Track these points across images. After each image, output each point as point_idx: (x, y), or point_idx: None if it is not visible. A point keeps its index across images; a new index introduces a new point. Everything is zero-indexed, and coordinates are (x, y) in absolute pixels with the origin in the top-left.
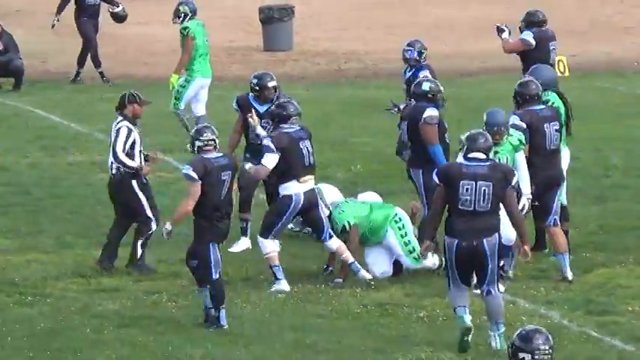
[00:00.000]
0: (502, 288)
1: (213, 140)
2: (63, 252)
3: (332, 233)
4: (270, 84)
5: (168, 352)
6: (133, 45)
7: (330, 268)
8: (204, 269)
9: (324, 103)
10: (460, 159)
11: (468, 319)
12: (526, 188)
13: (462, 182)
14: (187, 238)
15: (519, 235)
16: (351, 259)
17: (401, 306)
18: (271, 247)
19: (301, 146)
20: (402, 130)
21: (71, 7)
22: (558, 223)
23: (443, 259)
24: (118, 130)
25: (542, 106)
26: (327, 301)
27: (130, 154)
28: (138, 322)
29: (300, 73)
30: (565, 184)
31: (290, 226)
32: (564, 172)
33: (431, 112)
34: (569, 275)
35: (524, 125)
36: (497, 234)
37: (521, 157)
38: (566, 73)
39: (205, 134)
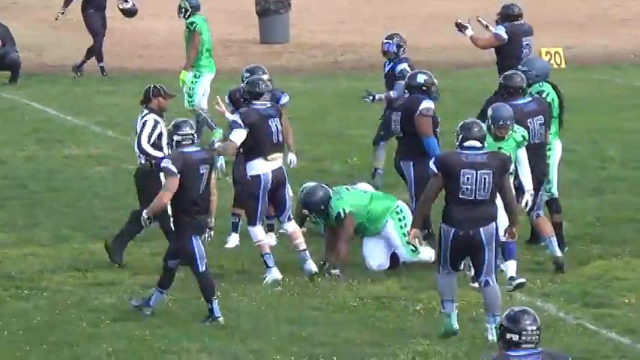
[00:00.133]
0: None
1: (192, 135)
2: (59, 245)
3: (291, 216)
4: (263, 77)
5: (165, 346)
6: (128, 38)
7: (327, 265)
8: (191, 263)
9: (321, 96)
10: (456, 148)
11: (454, 319)
12: (528, 184)
13: (462, 171)
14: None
15: (510, 222)
16: (303, 246)
17: (397, 299)
18: (261, 234)
19: (270, 124)
20: (393, 120)
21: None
22: (541, 214)
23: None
24: (144, 122)
25: (528, 99)
26: (323, 294)
27: (157, 146)
28: (134, 316)
29: (297, 65)
30: (556, 176)
31: (282, 230)
32: (555, 165)
33: (427, 104)
34: (559, 253)
35: None
36: (494, 223)
37: (522, 154)
38: (563, 65)
39: (184, 129)
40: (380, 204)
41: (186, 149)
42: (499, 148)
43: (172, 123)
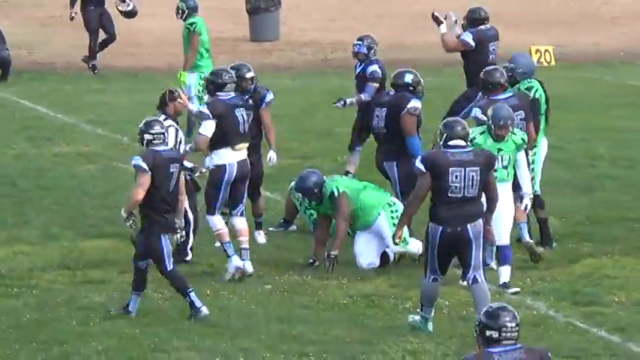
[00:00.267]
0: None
1: (162, 134)
2: (49, 243)
3: (244, 212)
4: (248, 75)
5: (155, 344)
6: (119, 36)
7: (317, 264)
8: (158, 262)
9: (310, 93)
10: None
11: (430, 324)
12: (527, 187)
13: (451, 170)
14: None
15: (486, 220)
16: (246, 245)
17: (387, 297)
18: (220, 223)
19: (237, 113)
20: (376, 116)
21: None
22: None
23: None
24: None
25: (509, 94)
26: (313, 293)
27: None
28: (124, 315)
29: (287, 63)
30: (540, 174)
31: (270, 228)
32: (540, 163)
33: (415, 104)
34: (528, 238)
35: (484, 118)
36: (481, 220)
37: (522, 156)
38: (553, 63)
39: (155, 128)
40: (373, 194)
41: (156, 148)
42: (499, 150)
43: (143, 122)
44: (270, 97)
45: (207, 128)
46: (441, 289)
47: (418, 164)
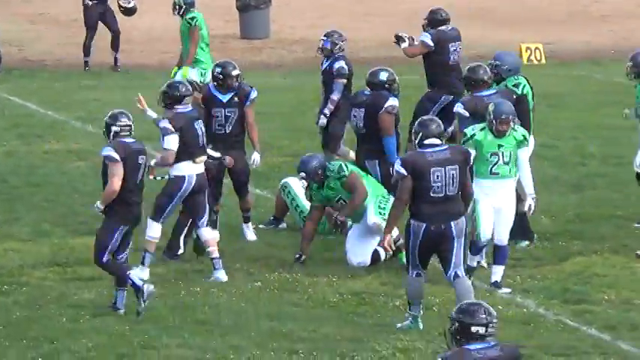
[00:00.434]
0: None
1: (129, 126)
2: (39, 240)
3: (208, 223)
4: (234, 72)
5: (145, 341)
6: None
7: (303, 258)
8: (97, 250)
9: (301, 91)
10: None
11: (420, 321)
12: (530, 188)
13: (432, 170)
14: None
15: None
16: (216, 254)
17: (377, 295)
18: (157, 233)
19: (196, 126)
20: (354, 116)
21: None
22: None
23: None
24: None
25: (492, 91)
26: (303, 290)
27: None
28: (114, 312)
29: (277, 61)
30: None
31: (260, 225)
32: (527, 160)
33: (392, 102)
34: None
35: (466, 114)
36: (463, 217)
37: (523, 156)
38: (543, 61)
39: (122, 120)
40: (372, 183)
41: (124, 140)
42: (499, 146)
43: (109, 114)
44: (254, 94)
45: (171, 143)
46: (431, 288)
47: (398, 168)
